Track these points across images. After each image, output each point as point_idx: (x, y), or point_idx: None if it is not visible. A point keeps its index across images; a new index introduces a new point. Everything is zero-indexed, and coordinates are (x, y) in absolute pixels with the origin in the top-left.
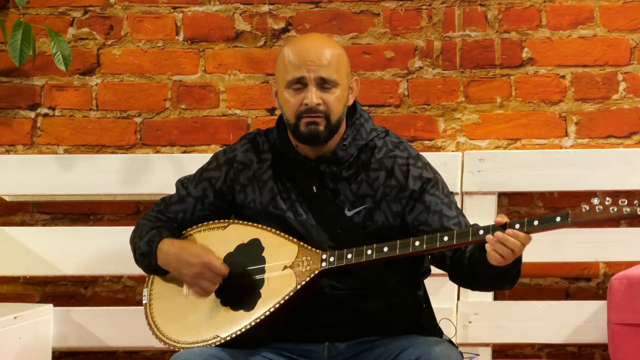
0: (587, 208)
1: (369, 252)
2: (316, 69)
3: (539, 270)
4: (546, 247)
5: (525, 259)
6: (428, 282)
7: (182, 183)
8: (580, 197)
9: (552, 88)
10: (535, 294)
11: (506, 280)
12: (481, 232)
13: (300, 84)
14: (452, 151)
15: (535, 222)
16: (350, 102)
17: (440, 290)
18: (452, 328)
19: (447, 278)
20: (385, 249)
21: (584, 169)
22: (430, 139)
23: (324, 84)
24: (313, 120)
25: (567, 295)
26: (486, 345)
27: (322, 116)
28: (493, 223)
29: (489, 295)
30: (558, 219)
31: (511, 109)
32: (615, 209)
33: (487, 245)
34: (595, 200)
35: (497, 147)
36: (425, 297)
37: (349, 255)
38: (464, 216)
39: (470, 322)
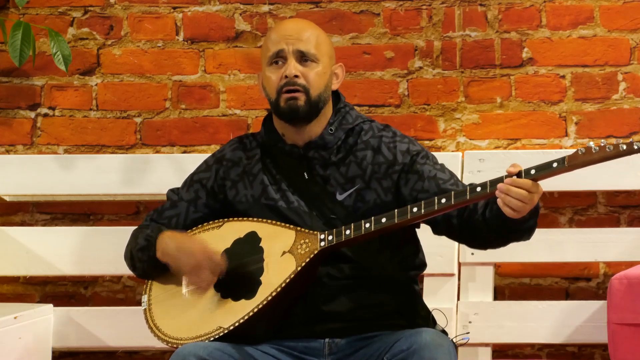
0: (584, 151)
1: (367, 225)
2: (294, 42)
3: (539, 270)
4: (546, 247)
5: (526, 259)
6: (428, 282)
7: (173, 191)
8: (580, 197)
9: (552, 88)
10: (535, 294)
11: (523, 231)
12: (478, 189)
13: (279, 57)
14: (452, 151)
15: (532, 171)
16: (335, 87)
17: (440, 290)
18: (444, 319)
19: (447, 278)
20: (384, 220)
21: (584, 169)
22: (430, 139)
23: (302, 57)
24: (292, 95)
25: (567, 295)
26: (486, 345)
27: (301, 90)
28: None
29: (489, 295)
30: (555, 164)
31: (511, 109)
32: (612, 147)
33: (498, 201)
34: (591, 143)
35: (497, 147)
36: (420, 292)
37: (347, 231)
38: (458, 178)
39: (470, 322)
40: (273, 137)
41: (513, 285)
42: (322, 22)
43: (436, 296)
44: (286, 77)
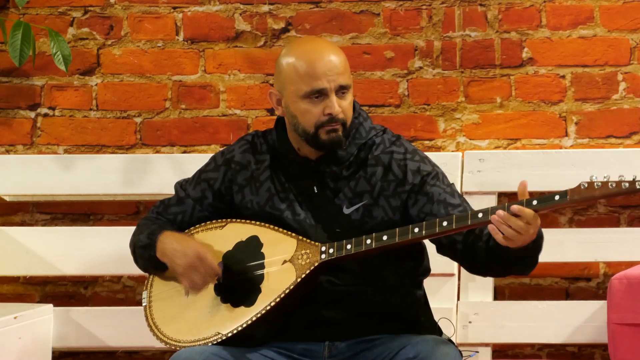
0: (586, 185)
1: (369, 241)
2: (335, 78)
3: (539, 270)
4: (546, 247)
5: None
6: (428, 282)
7: (180, 185)
8: None
9: (552, 88)
10: (535, 294)
11: (524, 265)
12: (480, 214)
13: (320, 94)
14: (452, 151)
15: (534, 202)
16: None
17: (440, 290)
18: (451, 328)
19: (447, 278)
20: (385, 238)
21: (584, 169)
22: (430, 139)
23: (341, 91)
24: (333, 128)
25: (567, 295)
26: (486, 345)
27: (340, 123)
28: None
29: (489, 295)
30: (557, 197)
31: (511, 109)
32: (614, 185)
33: (489, 225)
34: (594, 178)
35: (497, 147)
36: (424, 297)
37: (349, 246)
38: (468, 204)
39: (470, 322)
40: (285, 147)
41: (513, 285)
42: (322, 22)
43: (436, 296)
44: (330, 114)
